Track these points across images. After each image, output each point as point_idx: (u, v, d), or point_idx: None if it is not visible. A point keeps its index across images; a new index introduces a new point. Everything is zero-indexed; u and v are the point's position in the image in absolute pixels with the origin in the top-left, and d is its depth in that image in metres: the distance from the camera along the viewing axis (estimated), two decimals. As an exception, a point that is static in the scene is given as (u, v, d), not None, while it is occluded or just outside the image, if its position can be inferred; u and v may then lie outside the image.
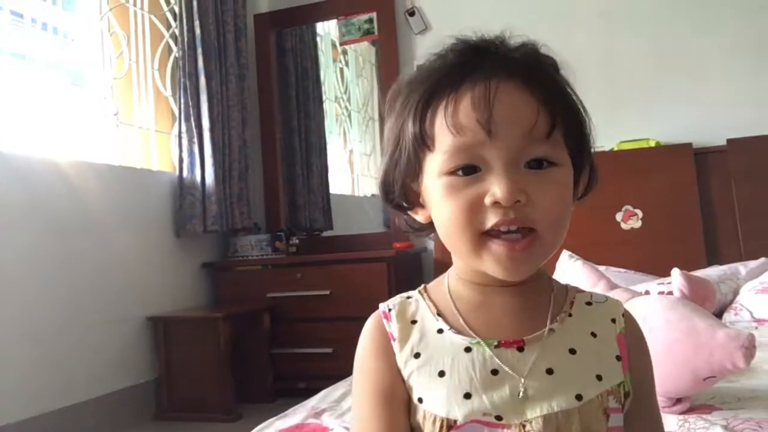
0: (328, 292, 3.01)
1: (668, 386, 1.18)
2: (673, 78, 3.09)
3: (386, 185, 0.66)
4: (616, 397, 0.59)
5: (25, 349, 2.30)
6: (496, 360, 0.59)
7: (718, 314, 2.18)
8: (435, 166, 0.60)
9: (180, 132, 3.13)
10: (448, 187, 0.59)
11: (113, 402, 2.64)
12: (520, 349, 0.59)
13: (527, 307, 0.62)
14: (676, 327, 1.15)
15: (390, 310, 0.66)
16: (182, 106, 3.13)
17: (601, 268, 2.81)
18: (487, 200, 0.56)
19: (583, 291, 0.67)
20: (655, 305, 1.21)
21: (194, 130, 3.12)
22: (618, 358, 0.61)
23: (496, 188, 0.56)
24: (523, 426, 0.57)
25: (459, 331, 0.62)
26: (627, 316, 0.65)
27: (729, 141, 2.86)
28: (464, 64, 0.60)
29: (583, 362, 0.59)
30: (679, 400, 1.21)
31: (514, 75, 0.58)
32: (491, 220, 0.56)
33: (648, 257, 2.79)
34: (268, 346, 3.06)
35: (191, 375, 2.84)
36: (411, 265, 3.29)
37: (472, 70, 0.59)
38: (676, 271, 1.26)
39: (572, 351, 0.60)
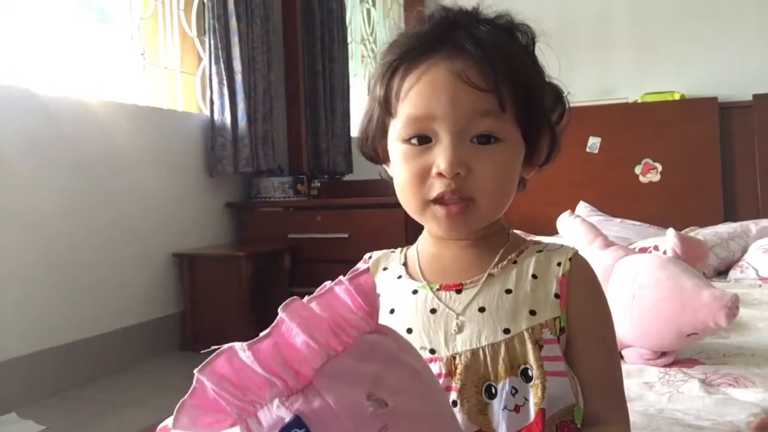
0: (346, 236, 3.09)
1: (653, 341, 1.23)
2: (703, 26, 3.03)
3: (361, 138, 0.75)
4: (552, 329, 0.63)
5: (56, 281, 2.42)
6: (436, 300, 0.67)
7: (725, 271, 2.21)
8: (395, 132, 0.67)
9: (210, 74, 3.17)
10: (404, 154, 0.66)
11: (141, 332, 2.79)
12: (458, 291, 0.67)
13: (475, 257, 0.69)
14: (664, 285, 1.19)
15: (370, 258, 0.77)
16: (211, 48, 3.16)
17: (617, 220, 2.84)
18: (434, 170, 0.63)
19: (543, 244, 0.72)
20: (646, 264, 1.25)
21: (224, 72, 3.16)
22: (557, 296, 0.65)
23: (440, 160, 0.63)
24: (453, 358, 0.63)
25: (412, 278, 0.71)
26: (575, 261, 0.68)
27: (755, 96, 2.81)
28: (429, 38, 0.66)
29: (517, 300, 0.64)
30: (664, 354, 1.26)
31: (470, 55, 0.63)
32: (436, 189, 0.64)
33: (665, 211, 2.81)
34: (288, 285, 3.18)
35: (215, 309, 2.98)
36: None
37: (434, 45, 0.65)
38: (671, 231, 1.30)
39: (508, 291, 0.65)
